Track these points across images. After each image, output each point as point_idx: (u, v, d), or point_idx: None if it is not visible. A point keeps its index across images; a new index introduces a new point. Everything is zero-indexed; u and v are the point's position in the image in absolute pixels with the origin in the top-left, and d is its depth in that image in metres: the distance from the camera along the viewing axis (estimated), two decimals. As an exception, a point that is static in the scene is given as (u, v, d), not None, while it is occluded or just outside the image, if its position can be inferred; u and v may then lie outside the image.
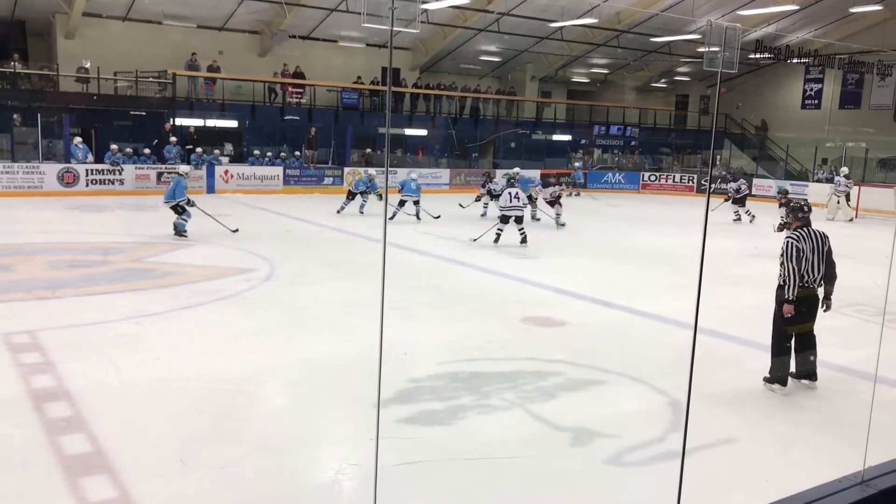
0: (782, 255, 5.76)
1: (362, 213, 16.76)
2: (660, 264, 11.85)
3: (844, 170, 20.46)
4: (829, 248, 5.85)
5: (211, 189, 20.64)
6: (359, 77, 25.45)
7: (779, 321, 5.86)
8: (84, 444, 4.54)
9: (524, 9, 23.25)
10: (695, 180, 27.30)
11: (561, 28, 24.94)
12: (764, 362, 6.81)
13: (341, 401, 5.48)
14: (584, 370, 6.33)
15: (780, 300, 5.78)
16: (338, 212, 16.68)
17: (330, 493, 4.22)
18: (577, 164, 26.99)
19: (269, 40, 24.33)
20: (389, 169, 23.97)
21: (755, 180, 26.54)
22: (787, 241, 5.77)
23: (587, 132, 30.20)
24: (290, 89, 24.18)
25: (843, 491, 2.70)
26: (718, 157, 30.43)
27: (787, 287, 5.71)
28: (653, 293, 9.56)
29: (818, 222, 6.01)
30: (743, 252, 13.25)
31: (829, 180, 24.46)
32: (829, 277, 5.83)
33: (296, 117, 24.04)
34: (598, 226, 17.09)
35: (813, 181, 25.50)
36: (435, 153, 26.35)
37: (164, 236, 12.12)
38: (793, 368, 5.95)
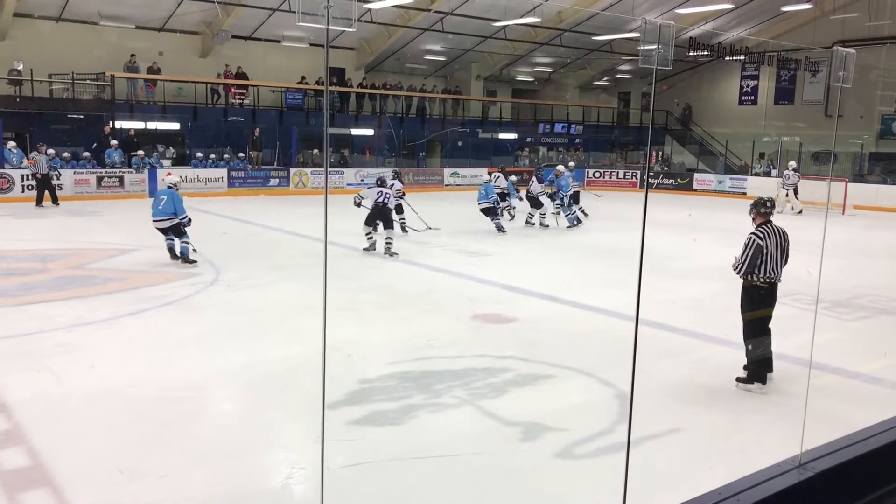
0: (744, 247, 5.85)
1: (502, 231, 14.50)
2: (606, 259, 12.02)
3: (792, 163, 21.09)
4: (788, 245, 5.95)
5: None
6: (303, 77, 25.21)
7: (745, 312, 5.99)
8: (22, 458, 4.40)
9: (467, 8, 23.34)
10: (638, 176, 27.80)
11: (504, 27, 25.12)
12: (707, 352, 7.00)
13: (290, 404, 5.42)
14: (534, 365, 6.40)
15: (747, 290, 5.93)
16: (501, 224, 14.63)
17: (279, 497, 4.17)
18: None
19: (211, 41, 23.91)
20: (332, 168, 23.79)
21: (696, 175, 27.19)
22: (751, 237, 5.87)
23: (532, 130, 30.47)
24: (232, 90, 23.83)
25: (782, 475, 2.80)
26: (660, 152, 31.05)
27: (736, 270, 5.87)
28: (600, 288, 9.71)
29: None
30: (684, 245, 13.55)
31: (767, 174, 25.24)
32: None
33: (239, 118, 23.71)
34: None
35: (751, 175, 26.24)
36: (383, 153, 26.27)
37: (105, 242, 11.81)
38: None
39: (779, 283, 5.97)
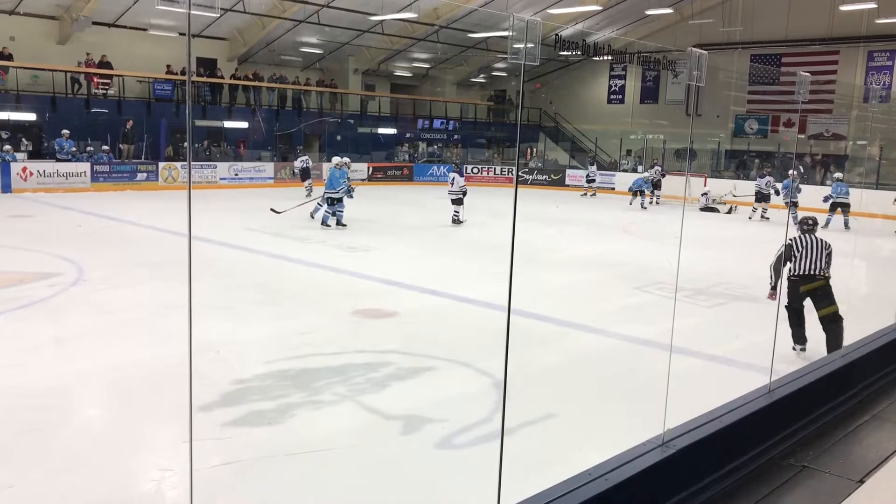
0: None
1: None
2: (484, 253, 12.25)
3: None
4: (830, 252, 6.70)
5: (7, 188, 18.78)
6: (168, 66, 24.15)
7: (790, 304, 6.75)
8: None
9: (344, 1, 23.10)
10: (514, 172, 28.49)
11: (381, 21, 25.05)
12: (577, 339, 7.28)
13: (161, 407, 5.19)
14: (414, 358, 6.44)
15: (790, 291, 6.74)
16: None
17: (149, 501, 4.00)
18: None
19: (69, 27, 22.48)
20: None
21: (568, 171, 28.19)
22: (785, 243, 6.75)
23: (411, 126, 30.59)
24: (95, 80, 22.51)
25: (647, 453, 2.97)
26: (534, 149, 31.95)
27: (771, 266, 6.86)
28: (478, 280, 9.88)
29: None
30: (554, 237, 14.03)
31: (635, 170, 26.52)
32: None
33: (104, 110, 22.43)
34: (425, 217, 17.41)
35: (619, 171, 27.49)
36: (258, 146, 25.59)
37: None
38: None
39: (822, 279, 6.58)
